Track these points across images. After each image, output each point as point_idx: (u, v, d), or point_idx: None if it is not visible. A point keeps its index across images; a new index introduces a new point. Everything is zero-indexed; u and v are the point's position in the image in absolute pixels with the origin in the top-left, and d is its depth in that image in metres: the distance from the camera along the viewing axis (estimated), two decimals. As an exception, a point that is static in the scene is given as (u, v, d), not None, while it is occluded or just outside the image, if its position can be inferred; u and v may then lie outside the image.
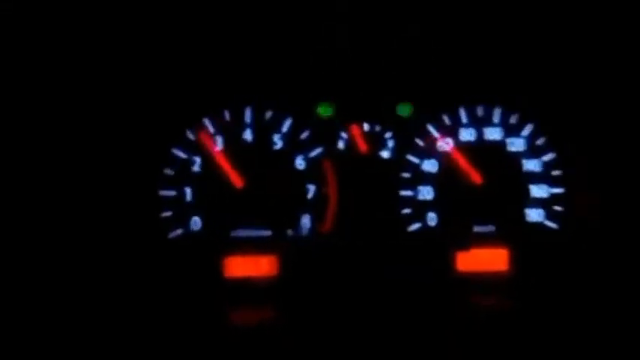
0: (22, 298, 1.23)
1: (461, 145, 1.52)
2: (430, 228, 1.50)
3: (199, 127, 1.48)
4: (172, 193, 1.45)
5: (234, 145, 1.47)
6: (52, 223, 1.33)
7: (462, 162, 1.50)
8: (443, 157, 1.52)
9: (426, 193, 1.51)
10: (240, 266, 1.42)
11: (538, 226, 1.51)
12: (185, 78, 1.46)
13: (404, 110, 1.52)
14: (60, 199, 1.34)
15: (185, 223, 1.45)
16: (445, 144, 1.51)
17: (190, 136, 1.47)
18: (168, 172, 1.45)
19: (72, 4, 1.26)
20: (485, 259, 1.48)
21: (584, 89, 1.48)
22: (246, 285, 1.41)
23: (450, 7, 1.40)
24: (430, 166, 1.52)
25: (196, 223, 1.45)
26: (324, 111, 1.51)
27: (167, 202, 1.44)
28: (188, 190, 1.45)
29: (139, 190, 1.42)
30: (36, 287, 1.26)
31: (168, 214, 1.44)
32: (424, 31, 1.45)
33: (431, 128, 1.52)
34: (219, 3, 1.38)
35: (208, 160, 1.47)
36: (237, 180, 1.46)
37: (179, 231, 1.44)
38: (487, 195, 1.51)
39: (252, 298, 1.38)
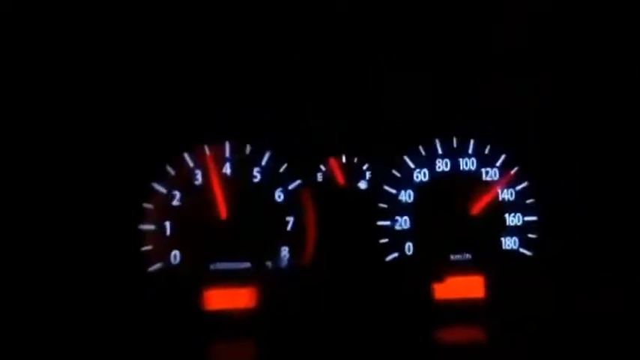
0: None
1: (436, 176, 1.55)
2: (407, 257, 1.53)
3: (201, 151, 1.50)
4: (152, 227, 1.46)
5: (213, 179, 1.49)
6: (32, 256, 1.34)
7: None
8: (418, 188, 1.55)
9: (403, 223, 1.54)
10: (220, 299, 1.43)
11: (513, 253, 1.54)
12: (165, 113, 1.49)
13: (381, 142, 1.56)
14: (41, 232, 1.35)
15: (165, 256, 1.46)
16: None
17: (170, 170, 1.49)
18: (148, 206, 1.47)
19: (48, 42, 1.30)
20: (462, 287, 1.50)
21: (555, 121, 1.53)
22: (225, 318, 1.42)
23: (420, 43, 1.46)
24: (407, 196, 1.55)
25: (176, 256, 1.47)
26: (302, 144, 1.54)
27: (147, 236, 1.46)
28: (168, 224, 1.47)
29: (119, 224, 1.43)
30: (15, 322, 1.26)
31: (148, 247, 1.46)
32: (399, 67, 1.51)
33: (407, 159, 1.56)
34: (198, 39, 1.42)
35: (188, 194, 1.49)
36: (223, 211, 1.48)
37: (159, 265, 1.46)
38: (463, 224, 1.54)
39: (231, 330, 1.39)
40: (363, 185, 1.55)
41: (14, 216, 1.31)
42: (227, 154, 1.52)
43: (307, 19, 1.39)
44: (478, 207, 1.53)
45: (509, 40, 1.43)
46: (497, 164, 1.57)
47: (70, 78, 1.40)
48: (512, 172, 1.55)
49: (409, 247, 1.53)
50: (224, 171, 1.51)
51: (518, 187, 1.56)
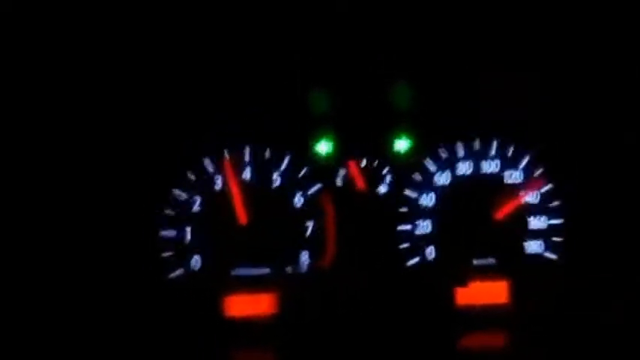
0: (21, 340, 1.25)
1: (458, 179, 1.53)
2: (429, 262, 1.51)
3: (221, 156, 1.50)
4: (173, 233, 1.47)
5: (233, 184, 1.49)
6: (53, 263, 1.36)
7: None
8: (440, 191, 1.53)
9: (425, 227, 1.52)
10: (240, 305, 1.44)
11: (537, 257, 1.51)
12: (184, 119, 1.49)
13: (401, 146, 1.54)
14: (61, 240, 1.37)
15: (185, 262, 1.47)
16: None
17: (191, 176, 1.50)
18: (169, 212, 1.48)
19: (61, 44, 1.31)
20: (486, 292, 1.47)
21: (579, 120, 1.50)
22: (246, 324, 1.42)
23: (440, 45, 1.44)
24: (428, 200, 1.53)
25: (196, 262, 1.47)
26: (322, 148, 1.53)
27: (167, 243, 1.46)
28: (188, 230, 1.48)
29: (139, 230, 1.44)
30: (35, 330, 1.28)
31: (168, 254, 1.46)
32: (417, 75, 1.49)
33: (428, 163, 1.54)
34: (215, 44, 1.42)
35: (209, 200, 1.49)
36: (242, 216, 1.48)
37: (179, 271, 1.46)
38: (486, 227, 1.51)
39: (252, 336, 1.39)
40: (383, 189, 1.53)
41: (35, 224, 1.33)
42: (247, 158, 1.52)
43: (322, 22, 1.38)
44: (502, 213, 1.50)
45: (528, 38, 1.40)
46: (521, 166, 1.53)
47: (91, 86, 1.41)
48: (539, 179, 1.51)
49: (431, 252, 1.51)
50: (244, 176, 1.51)
51: (543, 190, 1.52)
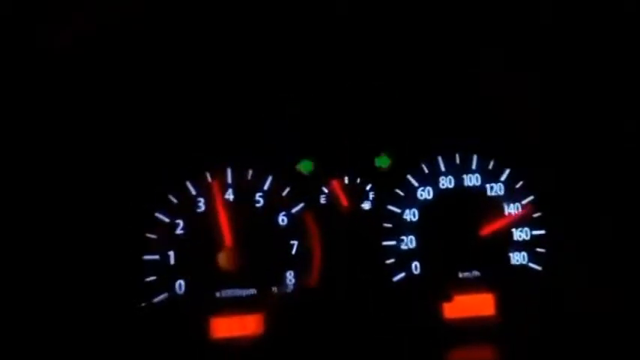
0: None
1: (440, 193, 1.54)
2: (415, 277, 1.51)
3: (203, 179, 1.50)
4: (156, 257, 1.46)
5: (217, 206, 1.49)
6: (35, 286, 1.33)
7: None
8: (423, 206, 1.53)
9: (409, 242, 1.52)
10: (226, 326, 1.42)
11: (522, 268, 1.52)
12: (165, 142, 1.49)
13: (382, 162, 1.55)
14: (44, 262, 1.35)
15: (169, 286, 1.45)
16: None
17: (173, 199, 1.49)
18: (152, 236, 1.47)
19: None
20: (472, 305, 1.48)
21: (558, 132, 1.52)
22: (232, 345, 1.41)
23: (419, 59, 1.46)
24: (411, 215, 1.53)
25: (181, 286, 1.46)
26: (304, 167, 1.54)
27: (151, 267, 1.45)
28: (171, 254, 1.47)
29: (122, 255, 1.43)
30: (21, 352, 1.25)
31: (152, 278, 1.45)
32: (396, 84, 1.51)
33: (410, 178, 1.55)
34: (195, 67, 1.43)
35: (192, 222, 1.48)
36: (228, 238, 1.47)
37: (164, 295, 1.45)
38: (470, 241, 1.52)
39: (239, 357, 1.38)
40: (366, 205, 1.54)
41: (17, 244, 1.31)
42: (229, 180, 1.52)
43: (301, 37, 1.39)
44: (488, 230, 1.51)
45: (507, 47, 1.43)
46: (502, 179, 1.55)
47: (72, 111, 1.40)
48: (527, 205, 1.54)
49: (416, 267, 1.52)
50: (227, 197, 1.51)
51: (524, 201, 1.54)
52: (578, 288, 1.45)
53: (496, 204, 1.54)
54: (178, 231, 1.48)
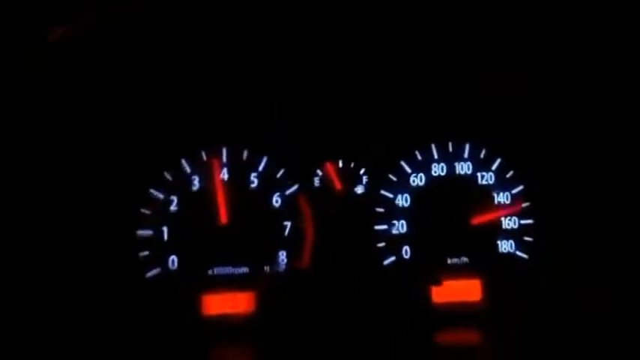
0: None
1: (432, 180, 1.56)
2: (405, 261, 1.53)
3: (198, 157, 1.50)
4: (149, 232, 1.47)
5: (211, 185, 1.50)
6: (29, 262, 1.33)
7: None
8: (415, 192, 1.56)
9: (400, 227, 1.55)
10: (218, 304, 1.44)
11: (509, 256, 1.55)
12: (162, 119, 1.49)
13: (377, 147, 1.57)
14: (38, 239, 1.35)
15: (162, 262, 1.46)
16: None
17: (168, 176, 1.50)
18: (146, 212, 1.47)
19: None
20: (460, 290, 1.51)
21: (548, 123, 1.54)
22: (224, 322, 1.42)
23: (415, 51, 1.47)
24: (403, 200, 1.56)
25: (173, 262, 1.47)
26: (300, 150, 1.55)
27: (144, 242, 1.46)
28: (165, 230, 1.47)
29: (116, 230, 1.43)
30: (13, 328, 1.25)
31: (145, 253, 1.46)
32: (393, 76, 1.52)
33: (404, 164, 1.57)
34: (193, 46, 1.42)
35: (186, 200, 1.49)
36: (223, 216, 1.48)
37: (156, 270, 1.46)
38: (460, 227, 1.55)
39: (230, 335, 1.39)
40: (359, 189, 1.56)
41: (12, 222, 1.31)
42: (224, 159, 1.53)
43: (300, 24, 1.40)
44: (480, 220, 1.54)
45: (503, 42, 1.44)
46: (493, 168, 1.58)
47: (69, 86, 1.39)
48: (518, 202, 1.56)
49: (406, 251, 1.54)
50: (221, 176, 1.51)
51: (514, 191, 1.57)
52: (565, 276, 1.48)
53: (486, 192, 1.57)
54: (172, 207, 1.48)
